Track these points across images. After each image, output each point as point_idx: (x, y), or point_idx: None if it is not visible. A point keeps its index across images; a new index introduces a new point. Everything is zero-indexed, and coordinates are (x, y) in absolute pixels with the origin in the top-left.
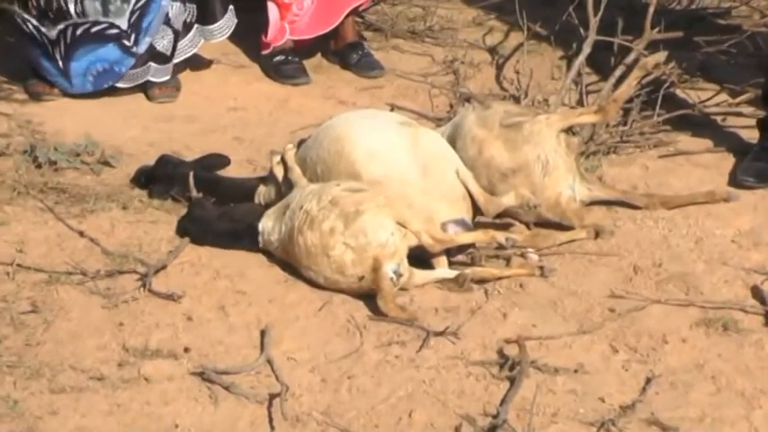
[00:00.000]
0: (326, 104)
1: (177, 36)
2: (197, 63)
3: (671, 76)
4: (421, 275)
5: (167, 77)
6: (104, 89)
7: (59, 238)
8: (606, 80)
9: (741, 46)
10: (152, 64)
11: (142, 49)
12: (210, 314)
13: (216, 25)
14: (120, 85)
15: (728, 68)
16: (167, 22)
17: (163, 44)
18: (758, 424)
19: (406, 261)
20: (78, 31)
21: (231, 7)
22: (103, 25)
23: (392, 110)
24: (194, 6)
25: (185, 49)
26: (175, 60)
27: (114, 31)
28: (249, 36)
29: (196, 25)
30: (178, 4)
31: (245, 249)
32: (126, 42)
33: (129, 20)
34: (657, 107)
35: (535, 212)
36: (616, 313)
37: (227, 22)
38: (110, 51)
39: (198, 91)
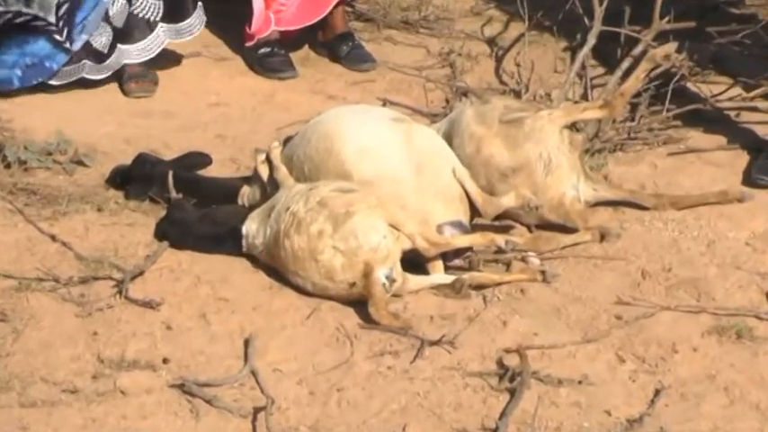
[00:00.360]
0: (315, 99)
1: (119, 34)
2: (175, 56)
3: (681, 69)
4: (415, 281)
5: (103, 76)
6: (73, 83)
7: (30, 242)
8: (612, 73)
9: (756, 37)
10: (87, 62)
11: (77, 46)
12: (191, 323)
13: (185, 23)
14: (51, 82)
15: (742, 60)
16: (107, 19)
17: (101, 42)
18: None
19: (399, 266)
20: (0, 22)
21: (200, 4)
22: (27, 17)
23: (384, 105)
24: (160, 3)
25: (151, 47)
26: (139, 60)
27: (40, 23)
28: (232, 27)
29: (161, 24)
30: (122, 0)
31: (228, 254)
32: (57, 37)
33: (56, 13)
34: (667, 102)
35: (537, 214)
36: (623, 320)
37: (196, 20)
38: (40, 45)
39: (177, 85)
